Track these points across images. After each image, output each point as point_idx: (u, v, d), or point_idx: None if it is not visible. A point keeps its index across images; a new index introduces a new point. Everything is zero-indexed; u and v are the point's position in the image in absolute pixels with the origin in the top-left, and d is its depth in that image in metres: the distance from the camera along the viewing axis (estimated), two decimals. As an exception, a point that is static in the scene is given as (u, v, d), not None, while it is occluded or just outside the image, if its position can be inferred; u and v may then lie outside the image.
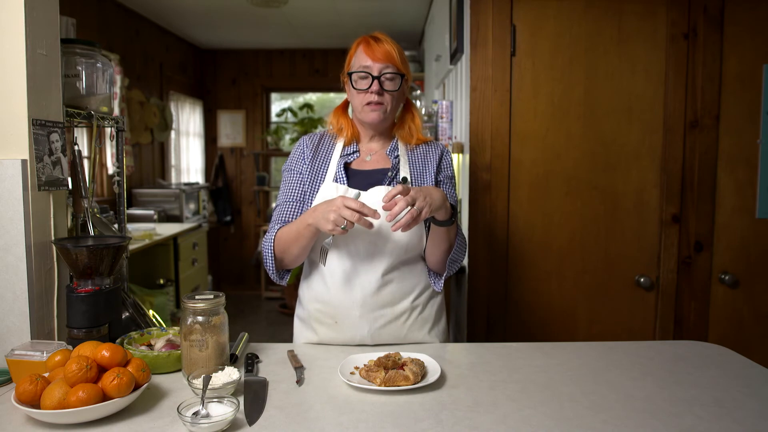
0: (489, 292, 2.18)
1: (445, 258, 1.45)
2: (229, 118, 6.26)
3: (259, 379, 1.21)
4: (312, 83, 6.24)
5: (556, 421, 1.03)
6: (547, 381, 1.22)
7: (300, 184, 1.51)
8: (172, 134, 5.39)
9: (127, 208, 3.32)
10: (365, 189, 1.44)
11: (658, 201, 2.13)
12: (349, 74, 1.47)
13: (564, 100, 2.12)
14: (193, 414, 1.01)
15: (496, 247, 2.16)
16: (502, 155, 2.13)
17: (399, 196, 1.25)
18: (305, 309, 1.52)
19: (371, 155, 1.53)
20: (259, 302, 5.86)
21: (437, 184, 1.53)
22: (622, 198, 2.14)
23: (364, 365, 1.24)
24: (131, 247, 3.02)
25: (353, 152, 1.52)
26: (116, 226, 1.77)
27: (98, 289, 1.36)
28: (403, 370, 1.17)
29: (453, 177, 1.58)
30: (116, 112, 4.14)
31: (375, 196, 1.42)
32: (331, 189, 1.45)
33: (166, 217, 4.59)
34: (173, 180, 5.43)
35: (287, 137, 6.26)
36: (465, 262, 2.25)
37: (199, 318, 1.21)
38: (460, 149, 2.44)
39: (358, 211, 1.24)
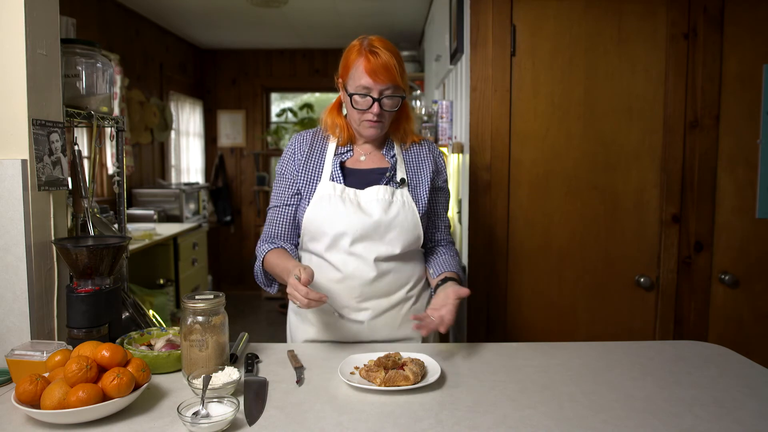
0: (489, 292, 2.17)
1: None
2: (229, 118, 6.26)
3: (259, 379, 1.21)
4: (312, 83, 6.24)
5: (556, 421, 1.03)
6: (547, 381, 1.22)
7: (293, 186, 1.51)
8: (172, 134, 5.39)
9: (127, 208, 3.32)
10: (362, 187, 1.46)
11: (658, 201, 2.13)
12: (350, 95, 1.44)
13: (564, 100, 2.12)
14: (193, 414, 1.01)
15: (496, 247, 2.16)
16: (502, 155, 2.13)
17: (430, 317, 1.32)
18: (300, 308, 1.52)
19: (366, 155, 1.53)
20: (259, 302, 5.86)
21: (435, 190, 1.56)
22: (622, 198, 2.14)
23: (364, 365, 1.24)
24: (131, 247, 3.02)
25: (347, 151, 1.53)
26: (116, 226, 1.77)
27: (98, 289, 1.36)
28: (403, 370, 1.17)
29: (447, 179, 1.63)
30: (116, 112, 4.14)
31: (371, 195, 1.45)
32: (328, 188, 1.46)
33: (166, 217, 4.59)
34: (173, 180, 5.43)
35: (287, 137, 6.26)
36: (465, 261, 2.25)
37: (199, 318, 1.21)
38: (460, 149, 2.44)
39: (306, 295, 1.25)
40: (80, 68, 1.55)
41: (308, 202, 1.47)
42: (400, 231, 1.45)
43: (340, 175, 1.48)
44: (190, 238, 4.27)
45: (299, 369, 1.28)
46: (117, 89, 4.19)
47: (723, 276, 2.13)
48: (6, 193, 1.31)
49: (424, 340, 1.51)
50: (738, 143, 2.10)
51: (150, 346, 1.33)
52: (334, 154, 1.51)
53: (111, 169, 4.17)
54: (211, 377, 1.10)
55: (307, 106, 6.10)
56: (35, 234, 1.35)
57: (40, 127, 1.36)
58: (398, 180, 1.49)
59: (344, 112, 1.56)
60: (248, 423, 1.03)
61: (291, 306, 1.59)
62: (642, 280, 2.15)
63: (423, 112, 3.39)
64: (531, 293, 2.18)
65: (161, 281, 3.88)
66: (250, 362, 1.29)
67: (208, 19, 4.94)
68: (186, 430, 0.99)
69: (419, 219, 1.48)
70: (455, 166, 2.72)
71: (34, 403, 1.02)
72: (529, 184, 2.15)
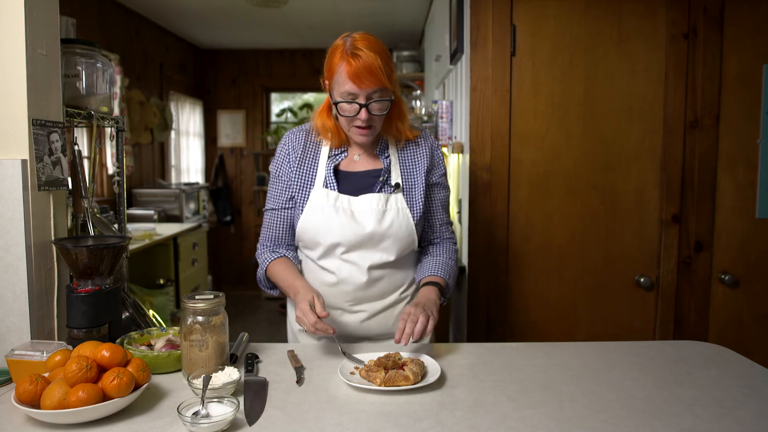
0: (489, 292, 2.17)
1: None
2: (229, 118, 6.26)
3: (259, 379, 1.21)
4: (312, 83, 6.24)
5: (556, 421, 1.03)
6: (547, 381, 1.22)
7: (288, 190, 1.49)
8: (172, 134, 5.39)
9: (127, 208, 3.32)
10: (356, 194, 1.43)
11: (658, 201, 2.13)
12: (335, 103, 1.38)
13: (564, 100, 2.12)
14: (193, 414, 1.01)
15: (496, 247, 2.16)
16: (502, 155, 2.13)
17: (407, 324, 1.26)
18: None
19: (360, 155, 1.49)
20: (259, 302, 5.86)
21: (431, 186, 1.51)
22: (622, 198, 2.14)
23: (364, 365, 1.24)
24: (131, 247, 3.02)
25: (341, 152, 1.48)
26: (116, 226, 1.77)
27: (98, 289, 1.36)
28: (403, 370, 1.17)
29: (446, 173, 1.56)
30: (116, 112, 4.14)
31: (365, 205, 1.42)
32: (322, 196, 1.43)
33: (166, 217, 4.59)
34: (173, 180, 5.43)
35: (287, 137, 6.25)
36: (465, 261, 2.25)
37: (199, 318, 1.21)
38: (460, 149, 2.44)
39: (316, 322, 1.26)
40: (80, 68, 1.55)
41: (302, 209, 1.45)
42: (395, 240, 1.43)
43: (333, 181, 1.44)
44: (190, 238, 4.27)
45: (299, 369, 1.28)
46: (117, 89, 4.19)
47: (723, 276, 2.13)
48: (6, 193, 1.31)
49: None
50: (738, 143, 2.10)
51: (150, 346, 1.33)
52: (328, 157, 1.47)
53: (111, 169, 4.17)
54: (211, 377, 1.10)
55: (307, 106, 6.10)
56: (35, 234, 1.35)
57: (40, 127, 1.36)
58: (392, 185, 1.45)
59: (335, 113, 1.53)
60: (248, 423, 1.03)
61: (290, 303, 1.59)
62: (642, 280, 2.15)
63: (423, 112, 3.39)
64: (531, 293, 2.18)
65: (161, 281, 3.88)
66: (250, 362, 1.29)
67: (208, 19, 4.94)
68: (186, 430, 0.99)
69: (414, 226, 1.45)
70: (455, 166, 2.72)
71: (34, 403, 1.02)
72: (529, 184, 2.15)
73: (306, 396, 1.14)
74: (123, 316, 1.51)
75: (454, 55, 2.64)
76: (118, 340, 1.32)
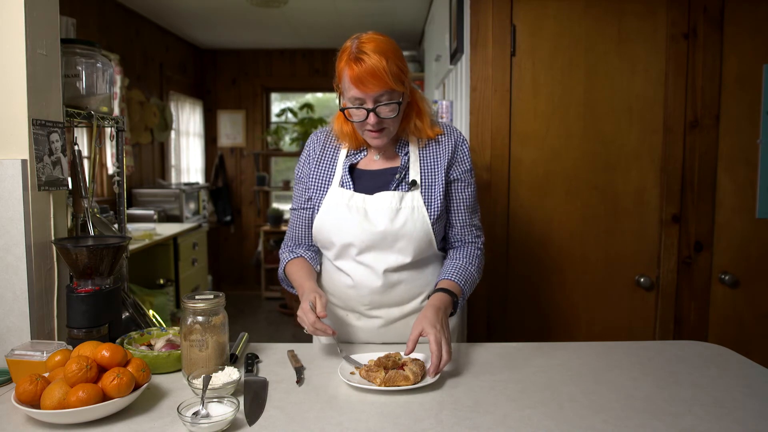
0: (489, 292, 2.17)
1: None
2: (229, 118, 6.26)
3: (259, 379, 1.21)
4: (312, 83, 6.24)
5: (556, 421, 1.03)
6: (547, 381, 1.22)
7: (307, 190, 1.49)
8: (172, 134, 5.39)
9: (127, 208, 3.32)
10: (371, 192, 1.40)
11: (658, 201, 2.13)
12: (342, 110, 1.36)
13: (564, 100, 2.12)
14: (193, 414, 1.01)
15: (496, 247, 2.16)
16: (502, 155, 2.13)
17: (434, 356, 1.20)
18: None
19: (380, 154, 1.46)
20: (259, 302, 5.86)
21: (451, 183, 1.44)
22: (622, 198, 2.14)
23: (364, 365, 1.24)
24: (131, 247, 3.02)
25: (360, 151, 1.46)
26: (116, 226, 1.77)
27: (98, 289, 1.36)
28: (403, 370, 1.17)
29: (471, 169, 1.48)
30: (116, 112, 4.14)
31: (378, 203, 1.39)
32: (337, 195, 1.41)
33: (166, 217, 4.59)
34: (173, 180, 5.43)
35: (287, 137, 6.26)
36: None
37: (199, 318, 1.21)
38: (460, 149, 2.44)
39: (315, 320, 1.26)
40: (80, 68, 1.55)
41: (318, 208, 1.44)
42: (409, 240, 1.38)
43: (349, 180, 1.43)
44: (190, 238, 4.27)
45: (299, 369, 1.28)
46: (117, 89, 4.19)
47: (723, 276, 2.13)
48: (6, 193, 1.31)
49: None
50: (738, 143, 2.10)
51: (150, 346, 1.33)
52: (346, 156, 1.45)
53: (111, 169, 4.17)
54: (211, 377, 1.10)
55: (307, 106, 6.09)
56: (35, 234, 1.35)
57: (40, 127, 1.36)
58: (409, 182, 1.41)
59: None
60: (248, 423, 1.03)
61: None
62: (642, 280, 2.15)
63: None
64: (531, 293, 2.18)
65: (161, 281, 3.88)
66: (250, 362, 1.29)
67: (208, 19, 4.94)
68: (186, 430, 0.99)
69: (430, 226, 1.39)
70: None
71: (34, 403, 1.02)
72: (529, 184, 2.15)
73: (306, 396, 1.14)
74: (123, 316, 1.51)
75: (454, 55, 2.64)
76: (118, 340, 1.32)
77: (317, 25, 5.09)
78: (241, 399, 1.11)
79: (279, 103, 6.63)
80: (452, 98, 2.86)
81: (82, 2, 3.87)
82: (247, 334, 1.47)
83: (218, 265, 6.25)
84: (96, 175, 2.14)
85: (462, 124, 2.40)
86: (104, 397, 1.02)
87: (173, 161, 5.46)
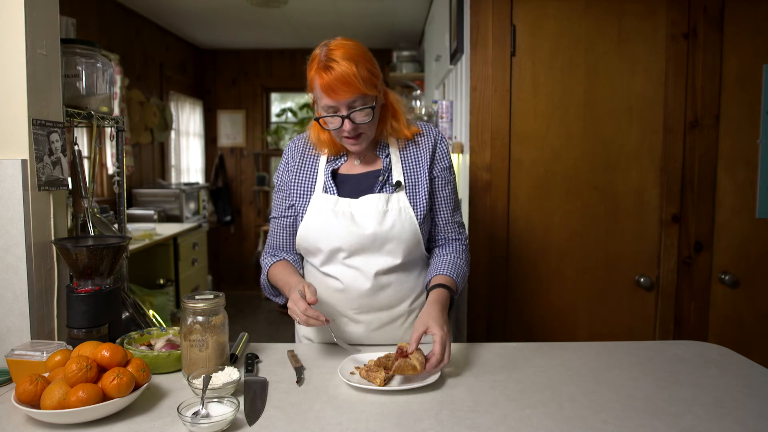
0: (489, 292, 2.17)
1: None
2: (229, 118, 6.26)
3: (259, 379, 1.21)
4: (312, 83, 6.23)
5: (556, 421, 1.03)
6: (547, 381, 1.22)
7: (287, 198, 1.48)
8: (172, 134, 5.39)
9: (127, 208, 3.32)
10: (356, 196, 1.40)
11: (658, 201, 2.13)
12: (317, 119, 1.36)
13: (564, 100, 2.12)
14: (193, 414, 1.01)
15: (496, 247, 2.16)
16: (502, 155, 2.13)
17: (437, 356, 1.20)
18: None
19: (360, 158, 1.45)
20: (259, 302, 5.86)
21: (433, 180, 1.45)
22: (622, 198, 2.14)
23: (364, 365, 1.24)
24: (131, 247, 3.02)
25: (341, 157, 1.46)
26: (116, 226, 1.77)
27: (98, 289, 1.36)
28: (410, 359, 1.17)
29: (451, 166, 1.48)
30: (116, 112, 4.14)
31: (364, 207, 1.38)
32: (321, 200, 1.41)
33: (166, 217, 4.59)
34: (173, 180, 5.43)
35: (287, 137, 6.26)
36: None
37: (199, 318, 1.21)
38: (460, 149, 2.44)
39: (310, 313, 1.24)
40: (80, 68, 1.55)
41: (302, 215, 1.43)
42: (399, 241, 1.38)
43: (332, 185, 1.42)
44: (190, 238, 4.27)
45: (299, 369, 1.28)
46: (117, 89, 4.19)
47: (723, 276, 2.13)
48: (6, 193, 1.31)
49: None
50: (738, 143, 2.10)
51: (150, 346, 1.33)
52: (327, 161, 1.44)
53: (111, 169, 4.17)
54: (211, 377, 1.10)
55: (307, 106, 6.09)
56: (35, 234, 1.35)
57: (40, 127, 1.36)
58: (393, 183, 1.40)
59: None
60: (248, 423, 1.03)
61: None
62: (642, 280, 2.15)
63: (423, 112, 3.39)
64: (531, 293, 2.18)
65: (161, 281, 3.88)
66: (250, 362, 1.29)
67: (208, 19, 4.94)
68: (186, 430, 0.99)
69: (418, 226, 1.40)
70: (455, 166, 2.72)
71: (34, 403, 1.02)
72: (529, 184, 2.15)
73: (306, 396, 1.14)
74: (123, 316, 1.51)
75: (454, 55, 2.64)
76: (118, 340, 1.32)
77: (317, 25, 5.09)
78: (241, 399, 1.11)
79: (279, 103, 6.63)
80: (452, 98, 2.86)
81: (82, 2, 3.87)
82: (247, 334, 1.47)
83: (218, 265, 6.25)
84: (96, 175, 2.14)
85: (462, 124, 2.40)
86: (104, 397, 1.02)
87: (173, 161, 5.46)
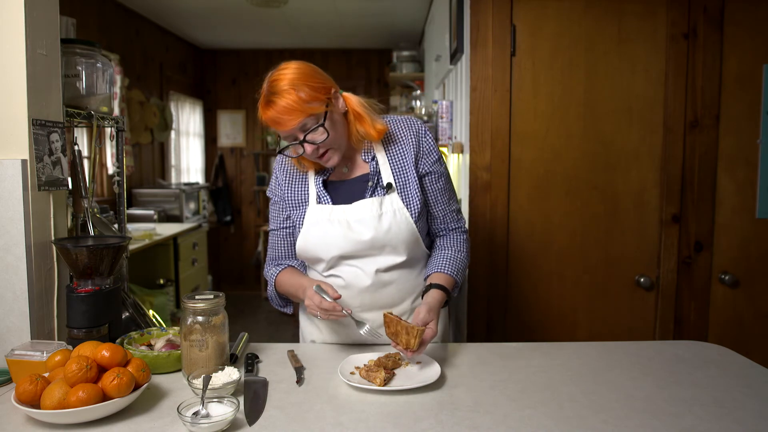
0: (489, 292, 2.17)
1: None
2: (229, 118, 6.26)
3: (259, 379, 1.21)
4: (312, 83, 6.23)
5: (556, 421, 1.03)
6: (547, 381, 1.22)
7: (283, 210, 1.48)
8: (172, 134, 5.39)
9: (127, 208, 3.32)
10: (349, 202, 1.40)
11: (658, 201, 2.13)
12: (280, 151, 1.40)
13: (564, 100, 2.12)
14: (193, 414, 1.01)
15: (496, 247, 2.16)
16: (502, 155, 2.13)
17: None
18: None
19: (347, 166, 1.44)
20: (259, 302, 5.86)
21: (423, 177, 1.43)
22: (622, 198, 2.14)
23: (364, 365, 1.24)
24: (131, 247, 3.02)
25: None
26: (116, 226, 1.77)
27: (98, 289, 1.36)
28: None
29: (440, 158, 1.46)
30: (116, 112, 4.14)
31: (359, 213, 1.38)
32: (317, 211, 1.41)
33: (166, 217, 4.59)
34: (173, 180, 5.43)
35: (287, 137, 6.26)
36: (465, 262, 2.25)
37: (199, 318, 1.21)
38: (460, 149, 2.44)
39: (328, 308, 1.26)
40: (80, 68, 1.55)
41: (300, 227, 1.43)
42: (397, 242, 1.39)
43: (326, 194, 1.42)
44: (190, 238, 4.27)
45: (299, 369, 1.28)
46: (117, 89, 4.19)
47: (723, 276, 2.13)
48: (6, 193, 1.31)
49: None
50: (738, 143, 2.10)
51: (150, 346, 1.33)
52: (316, 173, 1.44)
53: (111, 169, 4.17)
54: (211, 377, 1.10)
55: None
56: (35, 234, 1.35)
57: (40, 127, 1.36)
58: (384, 186, 1.40)
59: None
60: (248, 423, 1.03)
61: (301, 306, 1.58)
62: (642, 280, 2.15)
63: (423, 112, 3.40)
64: (531, 293, 2.18)
65: (161, 281, 3.88)
66: (250, 362, 1.29)
67: (208, 19, 4.94)
68: (186, 430, 0.99)
69: (414, 224, 1.40)
70: (455, 166, 2.72)
71: (34, 403, 1.02)
72: (529, 184, 2.15)
73: (306, 396, 1.14)
74: (123, 316, 1.51)
75: (454, 55, 2.64)
76: (118, 340, 1.32)
77: (317, 25, 5.09)
78: (241, 399, 1.11)
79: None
80: (452, 98, 2.86)
81: (82, 2, 3.87)
82: (247, 334, 1.47)
83: (218, 265, 6.25)
84: (96, 175, 2.14)
85: (462, 124, 2.40)
86: (104, 397, 1.02)
87: (173, 161, 5.46)
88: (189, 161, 5.89)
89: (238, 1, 4.35)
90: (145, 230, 3.69)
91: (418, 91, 4.53)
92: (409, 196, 1.41)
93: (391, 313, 1.27)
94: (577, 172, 2.13)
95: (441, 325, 1.47)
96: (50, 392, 1.01)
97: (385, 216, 1.38)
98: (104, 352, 1.08)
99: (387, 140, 1.44)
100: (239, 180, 6.30)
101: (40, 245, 1.37)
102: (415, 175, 1.42)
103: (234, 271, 6.33)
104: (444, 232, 1.51)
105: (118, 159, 1.76)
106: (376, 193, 1.40)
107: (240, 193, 6.31)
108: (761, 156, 2.09)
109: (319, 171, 1.44)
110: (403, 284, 1.44)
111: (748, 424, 1.02)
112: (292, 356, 1.35)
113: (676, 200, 2.12)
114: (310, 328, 1.55)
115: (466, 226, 1.55)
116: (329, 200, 1.41)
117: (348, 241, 1.38)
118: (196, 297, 1.24)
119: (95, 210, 1.60)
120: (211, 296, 1.25)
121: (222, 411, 1.02)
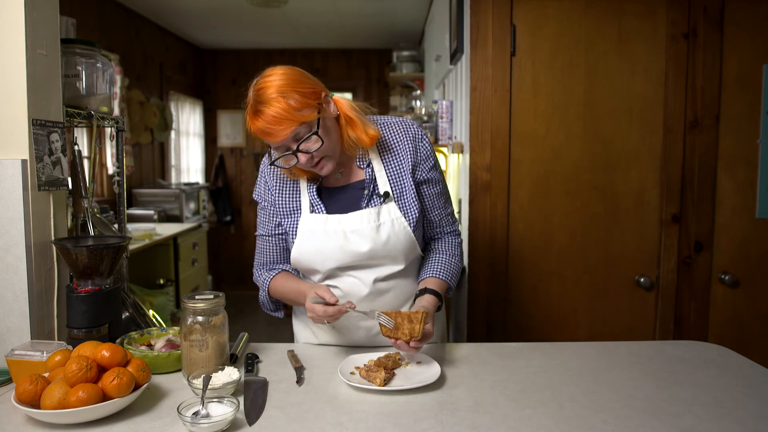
0: (489, 292, 2.17)
1: None
2: (229, 118, 6.26)
3: (259, 379, 1.21)
4: (312, 83, 6.23)
5: (556, 421, 1.03)
6: (547, 381, 1.22)
7: (274, 216, 1.42)
8: (172, 134, 5.39)
9: (127, 208, 3.32)
10: (345, 211, 1.35)
11: (658, 201, 2.13)
12: (273, 163, 1.30)
13: (564, 100, 2.12)
14: (193, 414, 1.01)
15: (496, 247, 2.16)
16: (502, 155, 2.13)
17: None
18: (303, 311, 1.51)
19: (341, 172, 1.39)
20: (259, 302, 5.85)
21: (420, 184, 1.39)
22: (622, 198, 2.14)
23: (364, 365, 1.24)
24: (131, 247, 3.02)
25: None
26: (116, 226, 1.77)
27: (98, 289, 1.36)
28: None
29: (436, 164, 1.42)
30: (116, 112, 4.14)
31: (356, 224, 1.33)
32: (311, 221, 1.35)
33: (166, 217, 4.59)
34: (173, 180, 5.43)
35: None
36: (465, 262, 2.25)
37: (199, 318, 1.21)
38: (460, 149, 2.44)
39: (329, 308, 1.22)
40: (80, 68, 1.55)
41: (293, 236, 1.38)
42: (397, 253, 1.35)
43: (319, 203, 1.36)
44: (190, 238, 4.27)
45: (299, 369, 1.28)
46: (117, 89, 4.19)
47: (723, 276, 2.13)
48: (6, 193, 1.31)
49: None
50: (738, 143, 2.10)
51: (150, 346, 1.33)
52: (308, 180, 1.38)
53: (111, 169, 4.17)
54: (211, 377, 1.10)
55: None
56: (35, 234, 1.35)
57: (40, 127, 1.36)
58: (381, 194, 1.35)
59: None
60: (248, 423, 1.03)
61: (294, 310, 1.58)
62: (642, 280, 2.15)
63: (423, 112, 3.39)
64: (531, 293, 2.18)
65: (161, 281, 3.88)
66: (250, 362, 1.29)
67: (208, 19, 4.94)
68: (186, 430, 0.99)
69: (412, 233, 1.36)
70: (455, 166, 2.72)
71: (34, 403, 1.02)
72: (529, 184, 2.15)
73: (306, 396, 1.14)
74: (123, 316, 1.51)
75: (454, 55, 2.64)
76: (118, 340, 1.32)
77: (317, 25, 5.09)
78: (241, 399, 1.11)
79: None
80: (452, 98, 2.86)
81: (82, 2, 3.87)
82: (247, 334, 1.47)
83: (218, 265, 6.25)
84: (96, 175, 2.15)
85: (462, 124, 2.40)
86: (104, 397, 1.02)
87: (173, 161, 5.46)
88: (189, 161, 5.89)
89: (238, 1, 4.35)
90: (145, 230, 3.69)
91: (418, 91, 4.53)
92: (407, 204, 1.37)
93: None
94: (577, 172, 2.13)
95: (436, 327, 1.46)
96: (50, 392, 1.01)
97: (383, 227, 1.34)
98: (104, 352, 1.08)
99: (382, 147, 1.38)
100: (239, 180, 6.30)
101: (40, 245, 1.37)
102: (412, 183, 1.37)
103: (234, 271, 6.33)
104: (439, 236, 1.49)
105: (118, 159, 1.76)
106: (372, 202, 1.36)
107: (240, 193, 6.31)
108: (761, 156, 2.09)
109: (312, 178, 1.39)
110: (400, 291, 1.42)
111: (748, 424, 1.02)
112: (292, 356, 1.35)
113: (676, 200, 2.12)
114: (304, 332, 1.52)
115: (461, 228, 1.54)
116: (323, 209, 1.36)
117: (345, 253, 1.33)
118: (196, 297, 1.24)
119: (95, 210, 1.60)
120: (211, 296, 1.25)
121: (222, 411, 1.02)
